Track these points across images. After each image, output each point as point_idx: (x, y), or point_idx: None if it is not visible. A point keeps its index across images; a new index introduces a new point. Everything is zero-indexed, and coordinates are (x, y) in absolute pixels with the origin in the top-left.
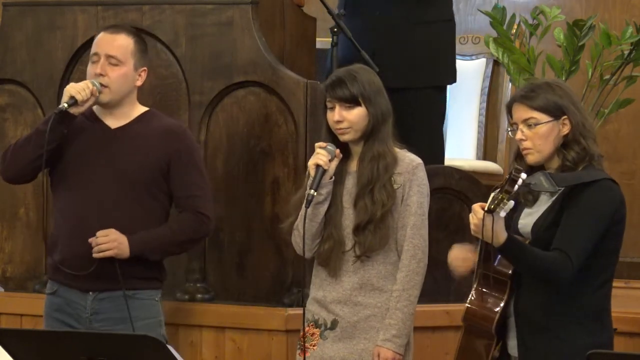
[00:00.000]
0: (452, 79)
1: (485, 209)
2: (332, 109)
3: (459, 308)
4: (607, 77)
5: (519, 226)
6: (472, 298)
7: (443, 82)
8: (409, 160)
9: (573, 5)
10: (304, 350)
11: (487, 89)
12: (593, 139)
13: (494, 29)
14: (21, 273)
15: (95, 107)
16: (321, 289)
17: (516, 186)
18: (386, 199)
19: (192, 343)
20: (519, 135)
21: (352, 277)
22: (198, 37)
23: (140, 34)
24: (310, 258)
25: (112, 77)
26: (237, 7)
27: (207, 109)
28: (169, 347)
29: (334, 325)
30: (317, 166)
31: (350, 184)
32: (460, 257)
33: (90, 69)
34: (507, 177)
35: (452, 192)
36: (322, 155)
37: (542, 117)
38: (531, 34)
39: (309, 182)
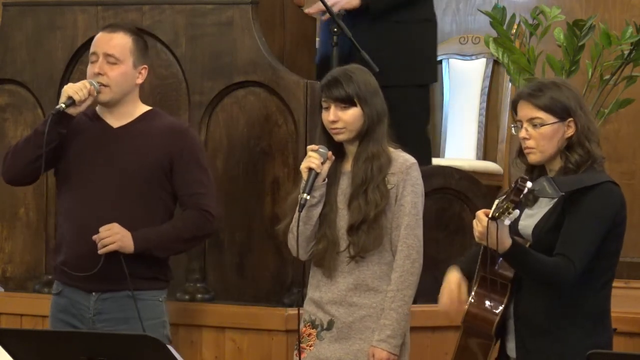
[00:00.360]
0: (433, 78)
1: (490, 216)
2: (328, 108)
3: None
4: (607, 77)
5: (520, 227)
6: (473, 300)
7: (424, 81)
8: (402, 160)
9: (573, 5)
10: (300, 351)
11: (487, 89)
12: (597, 142)
13: (494, 29)
14: (21, 273)
15: (97, 107)
16: (317, 289)
17: (523, 194)
18: (380, 199)
19: (192, 343)
20: (522, 134)
21: (347, 278)
22: (198, 37)
23: (139, 32)
24: (289, 254)
25: (111, 76)
26: (237, 7)
27: (207, 109)
28: (169, 347)
29: (330, 325)
30: (310, 169)
31: (344, 185)
32: (450, 303)
33: (90, 68)
34: (513, 185)
35: (452, 192)
36: (314, 158)
37: (547, 117)
38: (531, 34)
39: (301, 185)
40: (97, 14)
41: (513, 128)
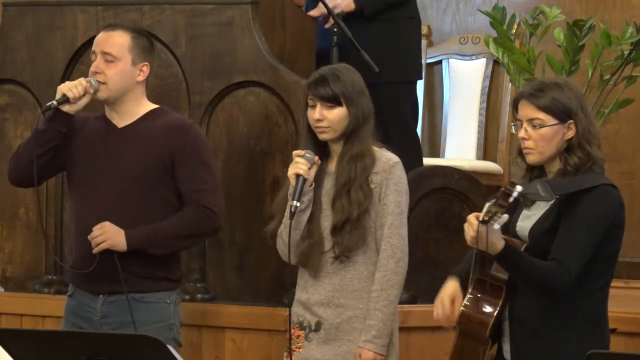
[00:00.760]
0: (419, 75)
1: (480, 219)
2: (314, 107)
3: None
4: (607, 77)
5: (517, 229)
6: (467, 303)
7: (411, 77)
8: (385, 159)
9: (573, 5)
10: (290, 353)
11: (487, 89)
12: (597, 144)
13: (494, 29)
14: (21, 273)
15: (106, 108)
16: (304, 290)
17: (511, 199)
18: (362, 198)
19: (192, 343)
20: (522, 134)
21: (333, 279)
22: (198, 37)
23: (142, 30)
24: (279, 257)
25: (108, 74)
26: (237, 7)
27: (207, 109)
28: (169, 347)
29: (317, 327)
30: (297, 175)
31: (328, 185)
32: (443, 316)
33: (90, 68)
34: (502, 189)
35: (452, 192)
36: (302, 164)
37: (548, 119)
38: (531, 34)
39: (289, 191)
40: (97, 14)
41: (513, 127)
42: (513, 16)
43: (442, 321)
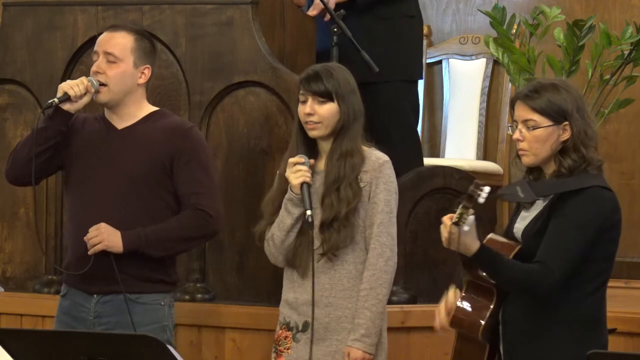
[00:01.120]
0: (419, 74)
1: (453, 221)
2: (305, 102)
3: None
4: (607, 77)
5: (514, 230)
6: (459, 306)
7: (411, 76)
8: (375, 158)
9: (573, 5)
10: (277, 354)
11: (487, 89)
12: (594, 146)
13: (494, 29)
14: (21, 273)
15: (105, 110)
16: (292, 290)
17: (480, 199)
18: (352, 197)
19: (192, 343)
20: (516, 135)
21: (321, 278)
22: (198, 37)
23: (145, 33)
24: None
25: (109, 75)
26: (237, 7)
27: (207, 109)
28: (169, 347)
29: (305, 327)
30: (303, 183)
31: (317, 184)
32: (440, 328)
33: (92, 68)
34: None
35: (452, 192)
36: (305, 172)
37: (542, 120)
38: (531, 34)
39: (289, 197)
40: (97, 14)
41: (509, 128)
42: (513, 16)
43: (441, 332)
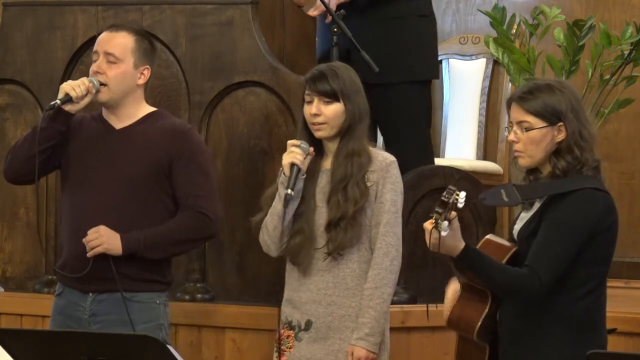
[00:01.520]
0: (433, 74)
1: (434, 225)
2: (310, 102)
3: None
4: (607, 77)
5: (513, 231)
6: (454, 308)
7: (422, 77)
8: (382, 158)
9: (573, 5)
10: (280, 353)
11: (487, 89)
12: (590, 148)
13: (494, 29)
14: (21, 273)
15: (103, 110)
16: (294, 289)
17: (459, 204)
18: (359, 196)
19: (192, 343)
20: (511, 137)
21: (325, 276)
22: (198, 37)
23: (146, 34)
24: (279, 257)
25: (110, 75)
26: (237, 7)
27: (207, 109)
28: (169, 347)
29: (307, 326)
30: (292, 165)
31: (323, 182)
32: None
33: (91, 67)
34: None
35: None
36: (297, 154)
37: (536, 122)
38: (531, 34)
39: (281, 179)
40: (97, 14)
41: (505, 129)
42: (513, 16)
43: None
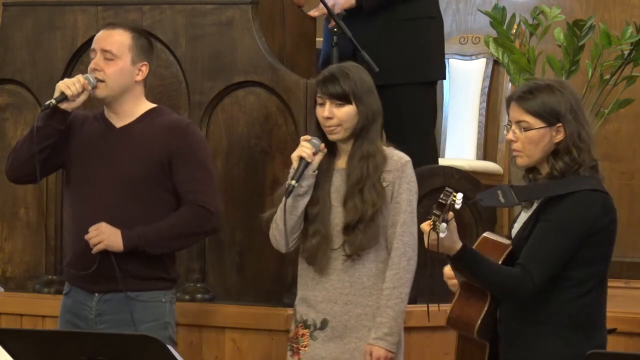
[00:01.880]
0: (440, 75)
1: (431, 226)
2: (322, 104)
3: None
4: (607, 77)
5: (512, 231)
6: (454, 307)
7: (429, 78)
8: (397, 157)
9: (573, 5)
10: (294, 352)
11: (487, 89)
12: (588, 149)
13: (494, 29)
14: (21, 273)
15: (105, 108)
16: (309, 288)
17: (457, 206)
18: (376, 198)
19: (192, 343)
20: (510, 136)
21: (341, 276)
22: (198, 37)
23: (142, 30)
24: (288, 253)
25: (107, 72)
26: (237, 7)
27: (207, 109)
28: (169, 347)
29: (323, 325)
30: (301, 158)
31: (338, 182)
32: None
33: (90, 65)
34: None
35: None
36: (306, 148)
37: (534, 122)
38: (531, 34)
39: (291, 174)
40: (97, 14)
41: (504, 128)
42: (513, 16)
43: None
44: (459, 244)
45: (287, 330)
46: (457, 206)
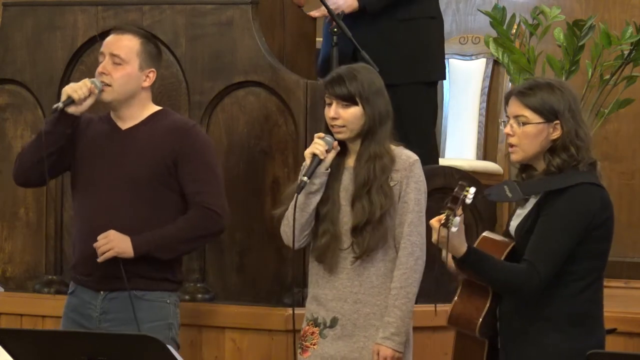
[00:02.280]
0: (441, 75)
1: (442, 223)
2: (330, 105)
3: None
4: (607, 77)
5: (510, 227)
6: (455, 304)
7: (430, 78)
8: (405, 157)
9: (573, 5)
10: (303, 350)
11: (487, 89)
12: (587, 147)
13: (494, 29)
14: (21, 273)
15: (111, 111)
16: (320, 286)
17: (467, 200)
18: (384, 200)
19: (192, 343)
20: (507, 130)
21: (351, 275)
22: (198, 37)
23: (151, 37)
24: (298, 250)
25: (114, 76)
26: (237, 7)
27: (207, 109)
28: (169, 347)
29: (333, 323)
30: (314, 155)
31: (346, 180)
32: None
33: (97, 69)
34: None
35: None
36: (319, 145)
37: (533, 117)
38: (531, 34)
39: (303, 171)
40: (97, 14)
41: (502, 123)
42: (513, 16)
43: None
44: (464, 247)
45: (287, 330)
46: (469, 201)
